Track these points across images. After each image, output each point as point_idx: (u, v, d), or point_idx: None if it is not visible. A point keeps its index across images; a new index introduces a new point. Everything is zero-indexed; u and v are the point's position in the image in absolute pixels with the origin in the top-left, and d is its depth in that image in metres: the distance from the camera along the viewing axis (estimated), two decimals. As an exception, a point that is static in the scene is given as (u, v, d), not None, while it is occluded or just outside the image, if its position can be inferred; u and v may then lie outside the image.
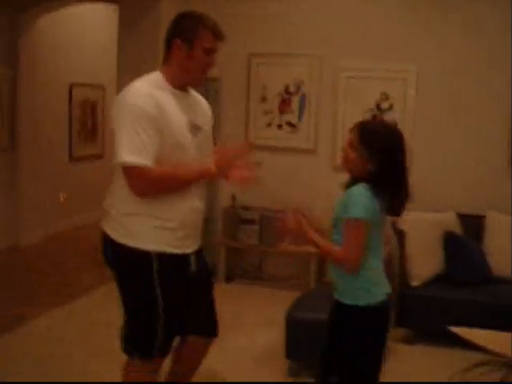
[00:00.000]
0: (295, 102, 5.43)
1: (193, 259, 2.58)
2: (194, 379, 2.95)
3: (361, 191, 2.36)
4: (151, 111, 2.36)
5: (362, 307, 2.43)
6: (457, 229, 4.57)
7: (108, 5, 6.64)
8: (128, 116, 2.34)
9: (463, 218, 4.68)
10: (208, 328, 2.79)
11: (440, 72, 5.06)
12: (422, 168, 5.08)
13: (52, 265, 6.02)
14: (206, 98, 2.83)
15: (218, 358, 3.55)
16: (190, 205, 2.54)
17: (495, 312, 4.04)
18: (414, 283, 4.33)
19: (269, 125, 5.52)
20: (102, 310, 4.67)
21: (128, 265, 2.52)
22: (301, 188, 5.38)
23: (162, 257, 2.46)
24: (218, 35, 2.50)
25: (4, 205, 6.43)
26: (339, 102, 5.32)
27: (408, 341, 4.32)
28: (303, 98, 5.40)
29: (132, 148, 2.32)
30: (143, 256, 2.46)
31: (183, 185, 2.50)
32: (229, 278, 5.54)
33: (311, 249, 4.48)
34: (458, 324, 3.04)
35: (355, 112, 5.20)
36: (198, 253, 2.65)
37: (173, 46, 2.49)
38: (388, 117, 5.08)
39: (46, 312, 4.66)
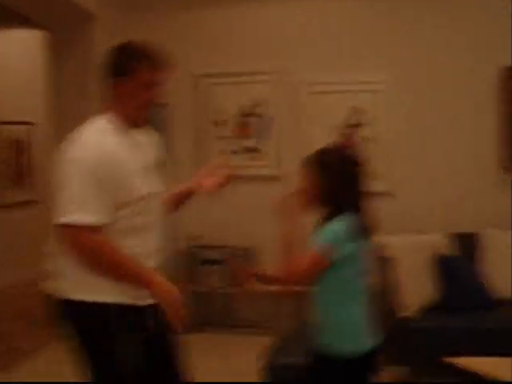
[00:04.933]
0: (256, 123, 4.91)
1: (150, 312, 2.32)
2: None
3: (336, 223, 2.27)
4: (101, 164, 2.18)
5: (339, 355, 2.31)
6: (448, 250, 4.23)
7: (31, 31, 6.03)
8: (76, 172, 2.16)
9: (454, 238, 4.31)
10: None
11: (414, 82, 4.69)
12: (402, 187, 4.68)
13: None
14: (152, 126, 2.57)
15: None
16: (150, 247, 2.36)
17: (497, 338, 3.76)
18: (407, 314, 3.99)
19: (224, 151, 4.97)
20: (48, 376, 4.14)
21: (88, 322, 2.28)
22: (265, 220, 4.82)
23: (120, 309, 2.25)
24: (158, 66, 2.32)
25: None
26: (304, 120, 4.84)
27: (412, 379, 3.94)
28: (265, 120, 4.89)
29: (74, 207, 2.13)
30: (101, 309, 2.24)
31: (120, 273, 2.22)
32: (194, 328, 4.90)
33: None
34: (460, 354, 2.97)
35: (323, 131, 4.75)
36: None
37: (111, 84, 2.32)
38: (361, 132, 4.70)
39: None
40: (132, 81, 2.27)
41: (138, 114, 2.36)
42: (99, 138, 2.23)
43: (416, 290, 4.05)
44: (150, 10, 5.01)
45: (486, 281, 4.13)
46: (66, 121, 4.85)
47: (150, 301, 2.29)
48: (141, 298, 2.28)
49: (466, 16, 4.60)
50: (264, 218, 4.78)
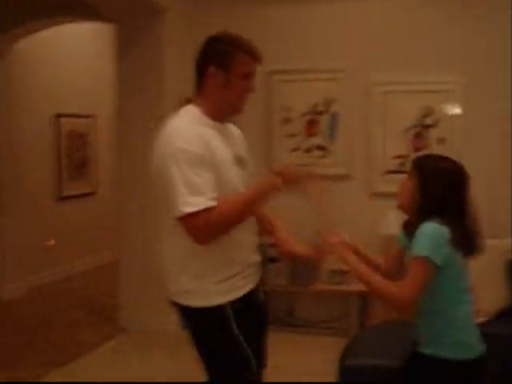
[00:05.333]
0: (324, 122, 4.83)
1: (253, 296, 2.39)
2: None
3: (429, 227, 2.17)
4: (203, 154, 2.15)
5: (450, 361, 2.20)
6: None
7: (99, 24, 6.04)
8: (180, 163, 2.12)
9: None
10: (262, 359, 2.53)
11: (491, 83, 4.52)
12: (473, 191, 4.53)
13: (41, 322, 5.23)
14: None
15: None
16: (247, 239, 2.36)
17: None
18: (479, 319, 3.74)
19: (295, 149, 4.90)
20: (107, 371, 4.08)
21: (207, 326, 2.29)
22: (334, 218, 4.73)
23: (234, 304, 2.26)
24: (256, 57, 2.29)
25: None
26: (374, 120, 4.74)
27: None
28: (333, 118, 4.81)
29: (192, 194, 2.10)
30: (218, 312, 2.24)
31: (247, 210, 2.25)
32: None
33: (352, 287, 4.25)
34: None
35: (394, 131, 4.67)
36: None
37: (206, 73, 2.26)
38: (433, 133, 4.57)
39: (40, 376, 3.99)
40: (231, 71, 2.23)
41: (232, 104, 2.31)
42: (196, 128, 2.20)
43: (488, 295, 3.87)
44: (221, 5, 4.98)
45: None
46: (128, 115, 4.93)
47: (250, 286, 2.33)
48: (242, 289, 2.29)
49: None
50: (331, 217, 4.76)
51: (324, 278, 4.64)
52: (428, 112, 4.62)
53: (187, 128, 2.19)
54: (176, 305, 2.34)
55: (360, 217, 4.69)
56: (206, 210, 2.08)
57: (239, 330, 2.23)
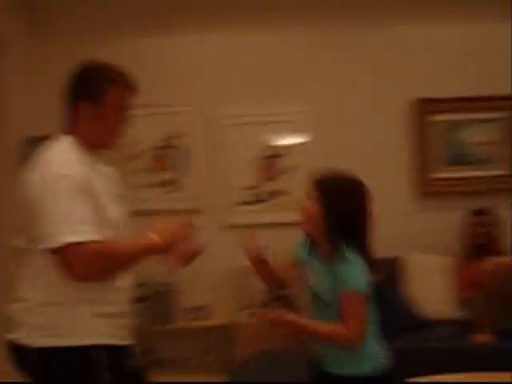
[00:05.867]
0: (173, 156, 4.79)
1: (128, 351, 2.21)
2: None
3: (355, 263, 2.20)
4: (84, 181, 2.04)
5: (362, 377, 2.26)
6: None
7: None
8: (62, 189, 1.98)
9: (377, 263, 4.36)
10: None
11: (329, 114, 4.80)
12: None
13: None
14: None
15: None
16: (126, 282, 2.20)
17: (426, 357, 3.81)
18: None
19: (141, 185, 4.79)
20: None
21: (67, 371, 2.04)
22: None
23: (106, 350, 2.08)
24: (130, 88, 2.24)
25: None
26: (223, 153, 4.80)
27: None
28: (183, 152, 4.78)
29: (76, 223, 1.96)
30: (83, 355, 2.03)
31: (129, 263, 2.11)
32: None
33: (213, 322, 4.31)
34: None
35: (243, 162, 4.77)
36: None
37: (79, 108, 2.17)
38: (282, 162, 4.73)
39: None
40: (105, 105, 2.15)
41: (107, 139, 2.23)
42: (75, 156, 2.10)
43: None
44: (63, 36, 4.77)
45: (412, 303, 4.23)
46: None
47: (128, 341, 2.19)
48: (119, 338, 2.15)
49: (374, 53, 4.81)
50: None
51: (184, 315, 4.56)
52: (276, 142, 4.77)
53: (67, 154, 2.08)
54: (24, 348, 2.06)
55: (215, 250, 4.64)
56: (93, 242, 1.96)
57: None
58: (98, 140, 2.20)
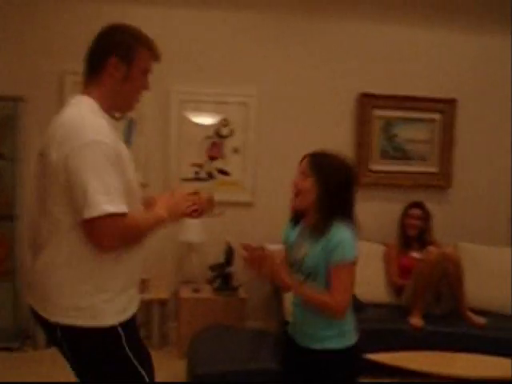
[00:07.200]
0: (120, 128, 4.73)
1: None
2: None
3: (346, 234, 2.27)
4: (116, 150, 1.97)
5: (342, 350, 2.35)
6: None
7: None
8: (98, 157, 1.90)
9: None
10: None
11: (281, 97, 4.92)
12: (266, 199, 4.88)
13: None
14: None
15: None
16: (142, 251, 2.17)
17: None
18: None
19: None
20: None
21: (101, 348, 2.05)
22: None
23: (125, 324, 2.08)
24: (156, 55, 2.17)
25: None
26: (171, 129, 4.80)
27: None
28: (130, 124, 4.73)
29: (112, 195, 1.91)
30: (111, 333, 2.04)
31: (146, 235, 2.11)
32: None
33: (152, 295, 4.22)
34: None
35: (190, 140, 4.79)
36: None
37: (106, 64, 2.07)
38: (229, 143, 4.81)
39: None
40: (133, 64, 2.09)
41: (129, 102, 2.16)
42: (101, 120, 1.99)
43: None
44: None
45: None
46: None
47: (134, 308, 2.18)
48: (134, 308, 2.16)
49: (328, 46, 4.97)
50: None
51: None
52: (224, 123, 4.83)
53: (93, 118, 1.97)
54: (53, 324, 2.02)
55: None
56: (123, 215, 1.92)
57: (132, 352, 2.05)
58: (120, 100, 2.12)
